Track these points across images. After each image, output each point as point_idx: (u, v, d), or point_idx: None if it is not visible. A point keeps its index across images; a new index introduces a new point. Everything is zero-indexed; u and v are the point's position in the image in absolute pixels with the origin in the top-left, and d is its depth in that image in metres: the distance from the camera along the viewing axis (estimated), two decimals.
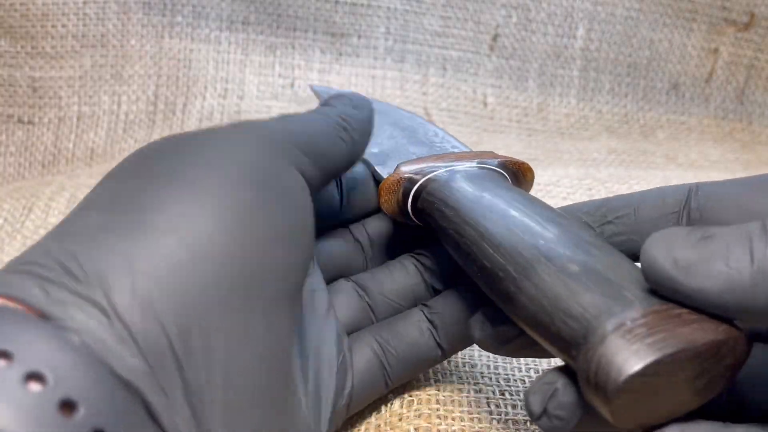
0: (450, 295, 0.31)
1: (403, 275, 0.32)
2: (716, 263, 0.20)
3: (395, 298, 0.32)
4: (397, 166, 0.32)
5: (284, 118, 0.28)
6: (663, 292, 0.22)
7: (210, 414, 0.21)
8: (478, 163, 0.31)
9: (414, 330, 0.30)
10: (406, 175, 0.31)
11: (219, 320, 0.22)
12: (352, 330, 0.31)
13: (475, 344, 0.35)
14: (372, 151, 0.34)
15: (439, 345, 0.30)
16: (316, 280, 0.29)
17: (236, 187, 0.23)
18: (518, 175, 0.32)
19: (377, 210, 0.33)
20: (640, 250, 0.28)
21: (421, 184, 0.31)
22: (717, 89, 0.68)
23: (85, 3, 0.63)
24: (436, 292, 0.32)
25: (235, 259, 0.22)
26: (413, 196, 0.31)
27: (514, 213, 0.27)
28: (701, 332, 0.21)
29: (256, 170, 0.24)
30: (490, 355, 0.34)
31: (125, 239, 0.21)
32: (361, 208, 0.34)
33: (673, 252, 0.21)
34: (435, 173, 0.31)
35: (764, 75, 0.68)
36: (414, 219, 0.32)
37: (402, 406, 0.31)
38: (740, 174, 0.58)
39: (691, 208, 0.27)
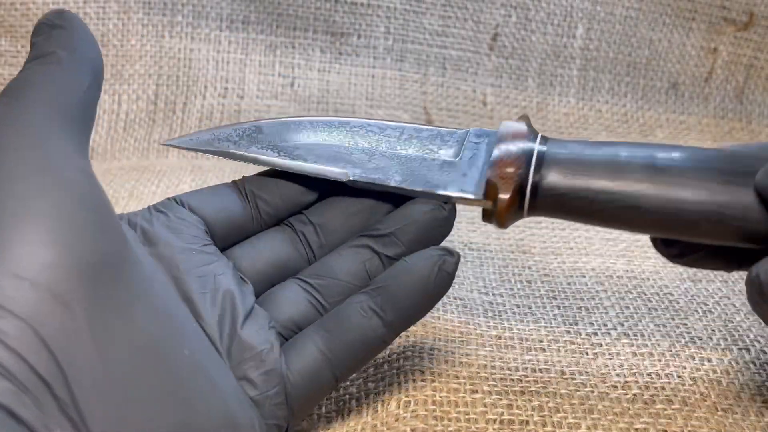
0: (398, 265, 0.30)
1: (352, 255, 0.31)
2: None
3: (350, 280, 0.31)
4: (494, 169, 0.31)
5: (34, 99, 0.25)
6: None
7: (92, 420, 0.22)
8: (530, 132, 0.32)
9: (355, 313, 0.29)
10: (509, 172, 0.30)
11: (71, 328, 0.22)
12: (304, 327, 0.30)
13: (473, 344, 0.35)
14: (355, 171, 0.32)
15: (383, 323, 0.29)
16: (212, 267, 0.29)
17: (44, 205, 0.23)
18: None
19: (311, 203, 0.33)
20: None
21: (534, 180, 0.30)
22: (716, 88, 0.69)
23: (85, 2, 0.63)
24: (388, 263, 0.31)
25: (73, 268, 0.22)
26: (530, 191, 0.30)
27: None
28: None
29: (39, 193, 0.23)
30: (486, 355, 0.35)
31: None
32: (288, 208, 0.33)
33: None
34: (533, 163, 0.30)
35: (764, 74, 0.68)
36: (525, 215, 0.31)
37: (398, 407, 0.31)
38: None
39: None
